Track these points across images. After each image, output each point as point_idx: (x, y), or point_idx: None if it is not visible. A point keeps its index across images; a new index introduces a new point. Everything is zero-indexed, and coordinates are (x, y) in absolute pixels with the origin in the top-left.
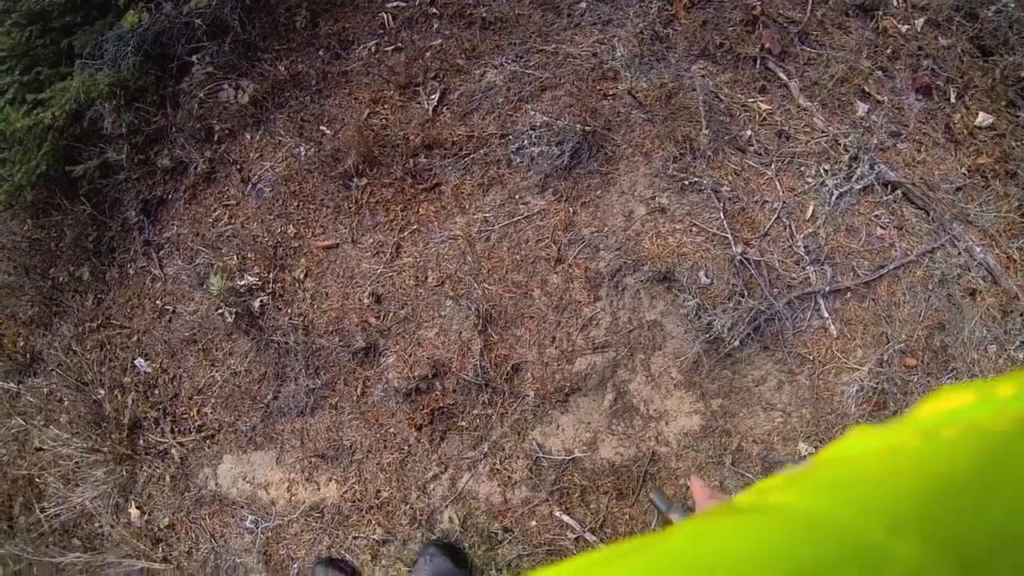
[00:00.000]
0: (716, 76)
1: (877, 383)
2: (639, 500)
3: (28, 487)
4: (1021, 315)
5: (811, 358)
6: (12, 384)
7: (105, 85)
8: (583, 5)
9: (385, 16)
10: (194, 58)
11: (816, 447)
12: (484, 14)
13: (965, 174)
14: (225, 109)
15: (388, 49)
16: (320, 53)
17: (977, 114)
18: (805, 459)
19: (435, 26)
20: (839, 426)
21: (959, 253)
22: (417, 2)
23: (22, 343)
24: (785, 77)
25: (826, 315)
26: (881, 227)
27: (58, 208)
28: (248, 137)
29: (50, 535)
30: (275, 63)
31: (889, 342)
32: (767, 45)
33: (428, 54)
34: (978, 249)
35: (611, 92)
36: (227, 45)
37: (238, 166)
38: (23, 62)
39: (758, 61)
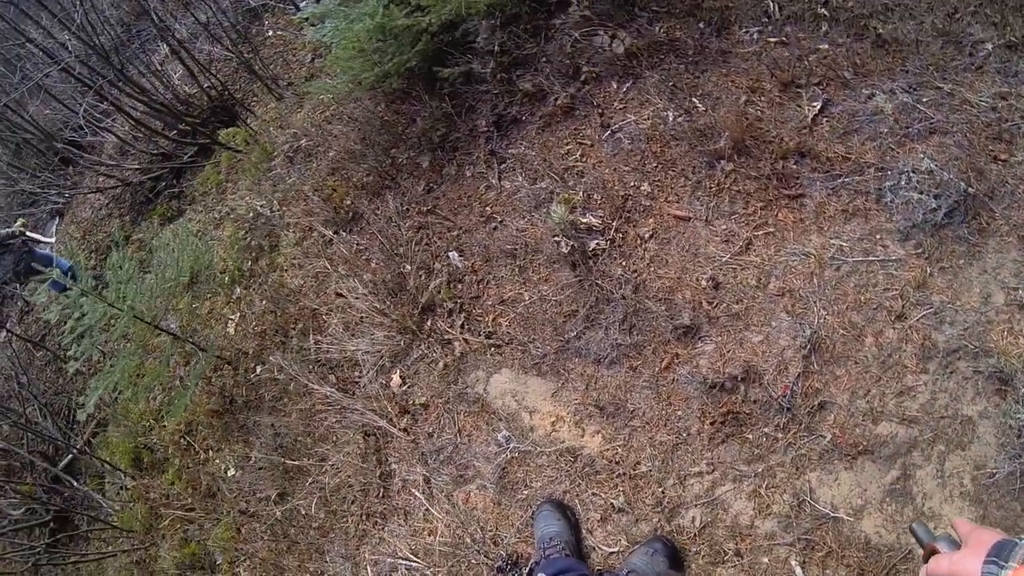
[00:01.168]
0: None
1: None
2: None
3: (311, 319)
4: None
5: None
6: (329, 232)
7: (484, 5)
8: (988, 47)
9: (771, 4)
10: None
11: None
12: (880, 29)
13: None
14: (597, 54)
15: (771, 40)
16: (700, 26)
17: None
18: None
19: (823, 29)
20: None
21: None
22: (808, 6)
23: (349, 202)
24: None
25: None
26: None
27: (416, 100)
28: (615, 86)
29: (313, 363)
30: (653, 23)
31: None
32: None
33: (812, 57)
34: None
35: (1003, 157)
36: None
37: (600, 110)
38: None
39: None
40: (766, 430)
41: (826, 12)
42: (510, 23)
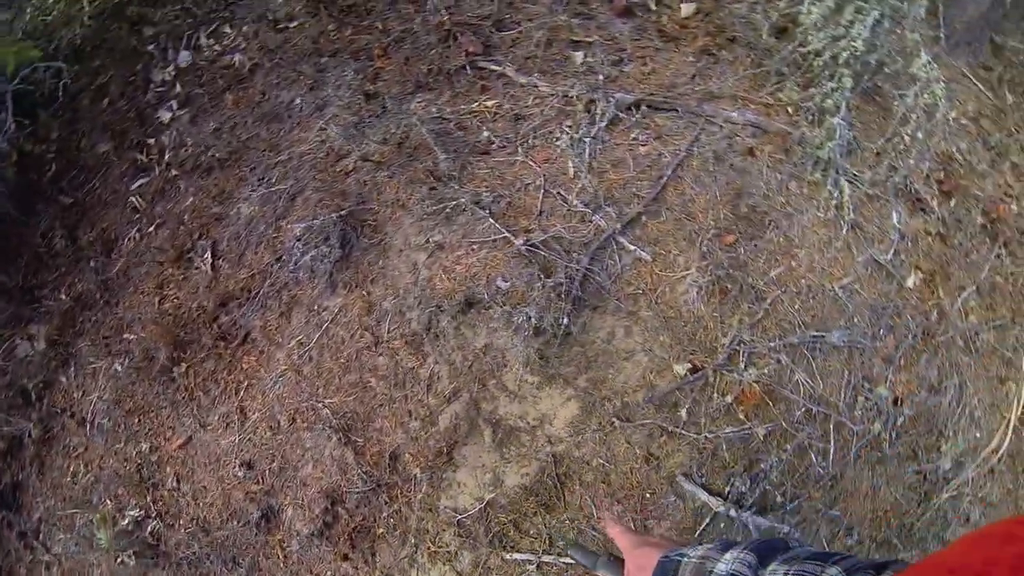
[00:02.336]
0: (437, 101)
1: (710, 275)
2: (568, 504)
3: None
4: (799, 144)
5: (641, 291)
6: None
7: None
8: (298, 101)
9: (134, 199)
10: None
11: (690, 362)
12: (216, 154)
13: (693, 61)
14: (29, 363)
15: (150, 229)
16: (91, 264)
17: (680, 7)
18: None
19: (181, 187)
20: (699, 332)
21: (720, 127)
22: (158, 172)
23: None
24: (498, 67)
25: (632, 247)
26: (642, 145)
27: None
28: (64, 380)
29: None
30: (54, 293)
31: (700, 235)
32: (469, 49)
33: (186, 216)
34: (735, 114)
35: (350, 168)
36: (1, 300)
37: (69, 412)
38: None
39: (468, 67)
40: (384, 514)
41: (175, 171)
42: None
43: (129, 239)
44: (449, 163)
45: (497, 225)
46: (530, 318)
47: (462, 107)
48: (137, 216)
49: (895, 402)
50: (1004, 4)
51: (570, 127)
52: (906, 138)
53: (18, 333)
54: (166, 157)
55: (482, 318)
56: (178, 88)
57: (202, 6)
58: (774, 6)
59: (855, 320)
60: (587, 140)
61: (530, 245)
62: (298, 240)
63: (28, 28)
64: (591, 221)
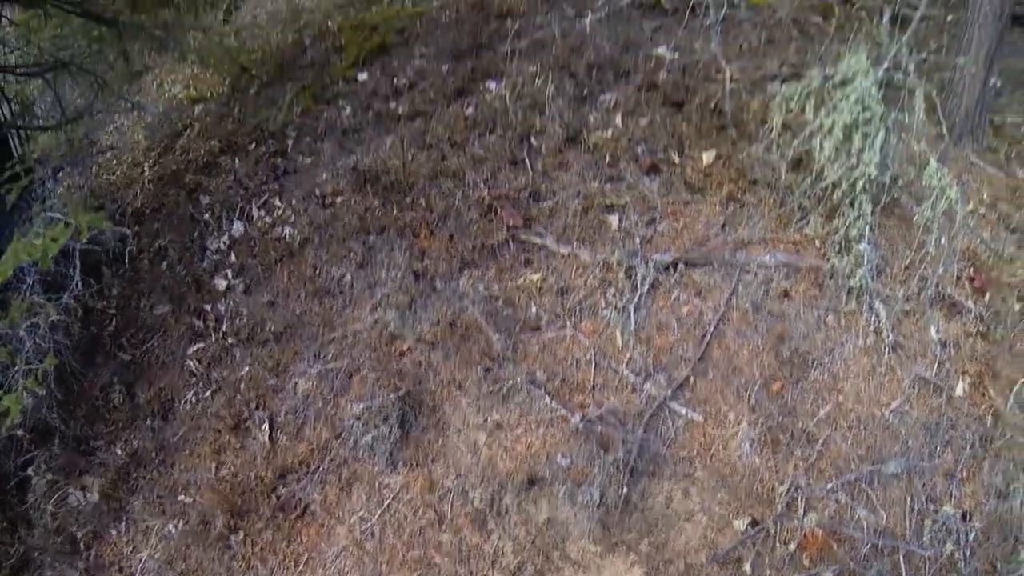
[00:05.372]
0: (484, 276)
1: (761, 426)
2: None
3: None
4: (831, 277)
5: (695, 452)
6: None
7: None
8: (348, 278)
9: (191, 363)
10: (29, 471)
11: (750, 516)
12: (272, 327)
13: (721, 209)
14: (80, 513)
15: (207, 394)
16: (148, 422)
17: (701, 156)
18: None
19: (237, 355)
20: (755, 485)
21: (755, 274)
22: (214, 338)
23: None
24: (539, 240)
25: (683, 411)
26: (684, 305)
27: None
28: (114, 533)
29: None
30: (110, 447)
31: (747, 387)
32: (510, 223)
33: (242, 385)
34: (767, 257)
35: (405, 348)
36: (57, 447)
37: (117, 567)
38: None
39: (511, 241)
40: None
41: (232, 340)
42: None
43: (186, 402)
44: (502, 343)
45: (554, 403)
46: (589, 493)
47: (509, 283)
48: (194, 380)
49: (964, 517)
50: (995, 84)
51: (614, 295)
52: (931, 249)
53: (72, 483)
54: (223, 325)
55: (544, 494)
56: (232, 257)
57: (253, 178)
58: (787, 143)
59: (909, 443)
60: (631, 308)
61: (587, 421)
62: (357, 419)
63: (94, 186)
64: (643, 390)
